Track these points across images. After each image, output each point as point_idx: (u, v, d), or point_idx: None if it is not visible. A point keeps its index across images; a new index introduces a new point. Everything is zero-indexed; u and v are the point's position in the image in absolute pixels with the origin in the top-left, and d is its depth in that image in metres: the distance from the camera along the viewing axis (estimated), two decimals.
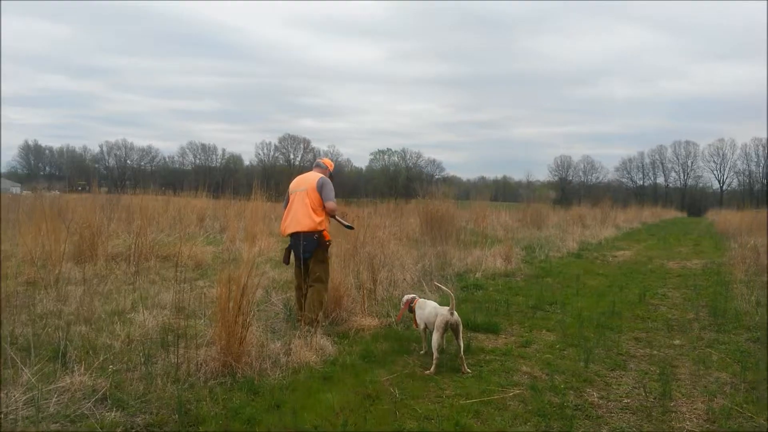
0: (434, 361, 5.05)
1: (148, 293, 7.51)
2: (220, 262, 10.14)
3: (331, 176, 6.78)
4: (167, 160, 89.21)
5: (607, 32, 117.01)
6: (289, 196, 6.54)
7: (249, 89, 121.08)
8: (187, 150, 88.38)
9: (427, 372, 5.01)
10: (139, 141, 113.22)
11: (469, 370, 5.10)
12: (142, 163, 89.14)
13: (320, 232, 6.28)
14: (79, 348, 4.98)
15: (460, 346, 5.18)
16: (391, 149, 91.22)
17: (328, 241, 6.41)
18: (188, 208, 17.42)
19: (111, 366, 4.55)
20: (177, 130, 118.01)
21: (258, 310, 6.56)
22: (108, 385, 4.15)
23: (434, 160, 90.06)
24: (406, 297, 5.98)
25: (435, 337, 5.13)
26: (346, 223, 6.82)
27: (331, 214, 6.47)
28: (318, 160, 6.97)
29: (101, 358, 4.62)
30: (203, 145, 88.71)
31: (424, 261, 9.86)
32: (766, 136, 75.00)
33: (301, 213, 6.27)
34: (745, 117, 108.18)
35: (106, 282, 7.93)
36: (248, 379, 4.52)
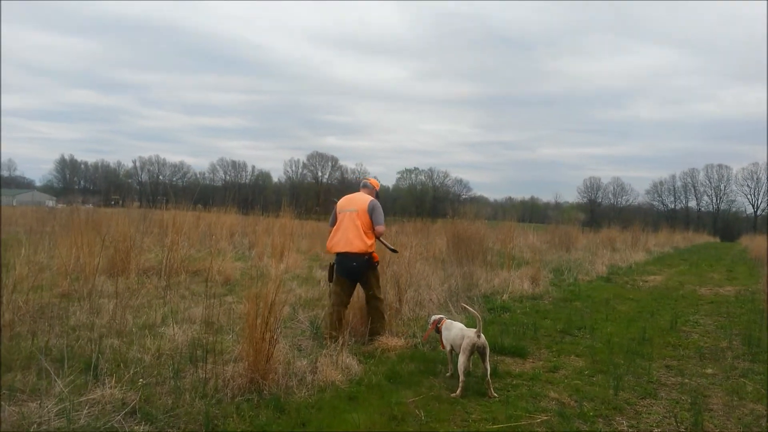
0: (460, 384, 5.02)
1: (178, 307, 7.62)
2: (248, 278, 10.25)
3: (377, 195, 6.97)
4: (198, 176, 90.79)
5: (630, 53, 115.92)
6: (337, 215, 6.67)
7: (273, 106, 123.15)
8: (218, 166, 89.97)
9: (453, 395, 4.98)
10: (171, 157, 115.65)
11: (495, 394, 5.05)
12: (174, 179, 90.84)
13: (371, 254, 6.49)
14: (110, 361, 5.08)
15: (486, 369, 5.14)
16: (418, 168, 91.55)
17: (377, 261, 6.62)
18: (218, 224, 17.66)
19: (141, 379, 4.62)
20: (205, 146, 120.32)
21: (285, 328, 6.63)
22: (138, 399, 4.22)
23: (461, 180, 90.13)
24: (434, 317, 5.99)
25: (461, 360, 5.10)
26: (391, 247, 7.01)
27: (378, 237, 6.65)
28: (365, 180, 7.13)
29: (131, 372, 4.70)
30: (233, 162, 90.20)
31: (451, 281, 9.82)
32: None
33: (352, 234, 6.43)
34: None
35: (138, 296, 8.07)
36: (275, 396, 4.54)
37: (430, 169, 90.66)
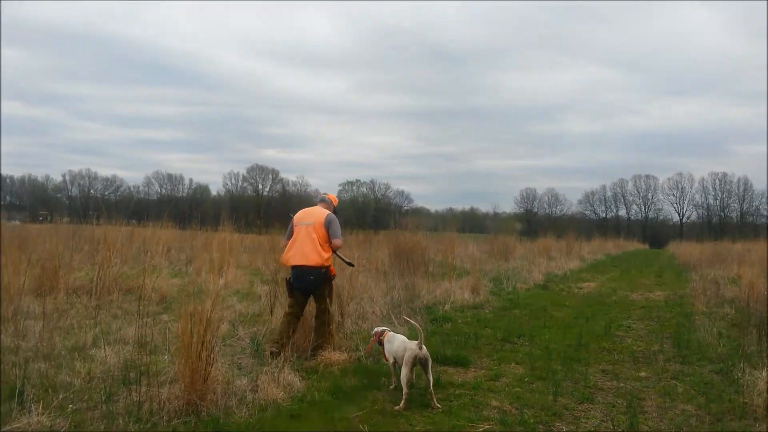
0: (404, 396, 5.01)
1: (110, 328, 7.31)
2: (185, 294, 9.94)
3: (335, 211, 7.04)
4: (132, 189, 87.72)
5: (564, 69, 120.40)
6: (293, 228, 6.73)
7: (211, 118, 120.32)
8: (153, 179, 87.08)
9: (397, 408, 4.96)
10: (103, 170, 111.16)
11: (438, 404, 5.06)
12: (107, 193, 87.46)
13: (327, 267, 6.59)
14: (37, 386, 4.82)
15: (429, 380, 5.15)
16: (359, 180, 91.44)
17: (333, 275, 6.75)
18: (154, 239, 17.09)
19: (71, 405, 4.40)
20: (140, 160, 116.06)
21: (224, 345, 6.45)
22: (67, 426, 4.01)
23: (402, 192, 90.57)
24: (376, 330, 5.97)
25: (404, 372, 5.10)
26: (348, 260, 7.16)
27: (335, 250, 6.77)
28: (323, 194, 7.28)
29: (60, 397, 4.47)
30: (170, 175, 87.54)
31: (393, 293, 9.84)
32: (721, 171, 77.67)
33: (308, 247, 6.49)
34: (700, 152, 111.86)
35: (67, 316, 7.69)
36: (213, 417, 4.40)
37: (372, 181, 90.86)
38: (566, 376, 6.18)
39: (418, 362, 5.17)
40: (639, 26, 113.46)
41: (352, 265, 7.27)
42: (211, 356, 4.62)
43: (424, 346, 5.18)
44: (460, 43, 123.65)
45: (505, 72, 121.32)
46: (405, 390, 5.02)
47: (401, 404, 4.97)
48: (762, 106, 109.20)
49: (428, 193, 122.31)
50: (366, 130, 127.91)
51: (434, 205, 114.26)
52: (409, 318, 6.38)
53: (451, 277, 13.15)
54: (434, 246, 19.69)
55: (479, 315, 10.04)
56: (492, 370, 6.39)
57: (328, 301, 6.61)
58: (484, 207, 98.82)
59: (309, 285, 6.51)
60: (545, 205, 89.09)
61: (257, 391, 4.91)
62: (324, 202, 7.11)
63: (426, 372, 5.18)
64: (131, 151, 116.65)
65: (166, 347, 6.28)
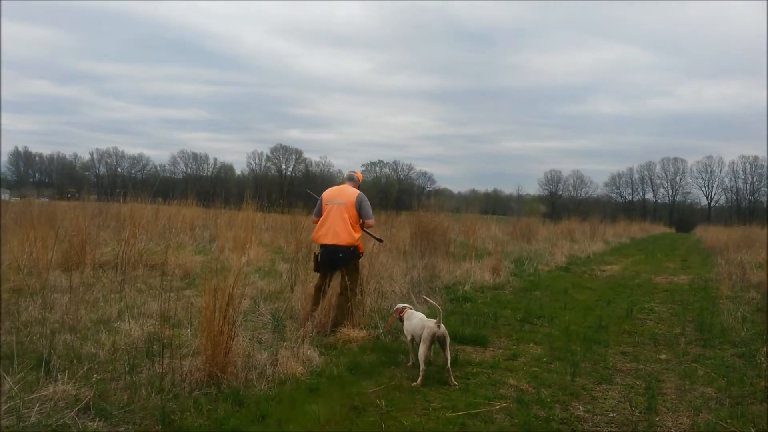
0: (421, 373, 5.05)
1: (134, 302, 7.45)
2: (208, 271, 10.10)
3: (359, 188, 7.15)
4: (158, 168, 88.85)
5: (592, 49, 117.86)
6: (322, 206, 6.85)
7: (236, 98, 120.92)
8: (179, 159, 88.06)
9: (414, 384, 5.00)
10: (130, 149, 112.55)
11: (455, 382, 5.09)
12: (133, 172, 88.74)
13: (356, 246, 6.73)
14: (63, 357, 4.94)
15: (447, 358, 5.18)
16: (382, 161, 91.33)
17: (362, 253, 6.93)
18: (178, 217, 17.33)
19: (95, 375, 4.51)
20: (166, 139, 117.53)
21: (245, 320, 6.55)
22: (92, 395, 4.11)
23: (425, 173, 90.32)
24: (397, 306, 6.04)
25: (421, 350, 5.13)
26: (377, 237, 7.37)
27: (370, 227, 6.99)
28: (351, 172, 7.39)
29: (85, 368, 4.58)
30: (195, 154, 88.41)
31: (413, 273, 9.86)
32: (752, 154, 75.79)
33: (340, 227, 6.63)
34: (731, 135, 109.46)
35: (93, 290, 7.87)
36: (233, 389, 4.49)
37: (395, 162, 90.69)
38: (585, 357, 6.16)
39: (436, 340, 5.20)
40: (672, 7, 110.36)
41: (381, 241, 7.45)
42: (233, 330, 4.69)
43: (442, 325, 5.20)
44: (486, 22, 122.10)
45: (531, 52, 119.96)
46: (422, 367, 5.06)
47: (418, 381, 5.01)
48: None
49: (451, 174, 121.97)
50: (390, 110, 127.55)
51: (457, 187, 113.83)
52: (428, 297, 6.40)
53: (472, 257, 13.13)
54: (456, 227, 19.67)
55: (499, 296, 10.03)
56: (510, 350, 6.40)
57: (354, 279, 6.72)
58: (508, 189, 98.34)
59: (338, 261, 6.66)
60: (570, 188, 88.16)
61: (277, 365, 4.99)
62: (352, 180, 7.20)
63: (444, 350, 5.21)
64: (158, 130, 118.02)
65: (188, 321, 6.40)
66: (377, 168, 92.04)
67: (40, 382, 4.27)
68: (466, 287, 10.40)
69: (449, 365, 5.15)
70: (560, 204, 76.24)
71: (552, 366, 5.87)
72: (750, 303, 9.69)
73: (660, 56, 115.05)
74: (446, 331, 5.23)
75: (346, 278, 6.65)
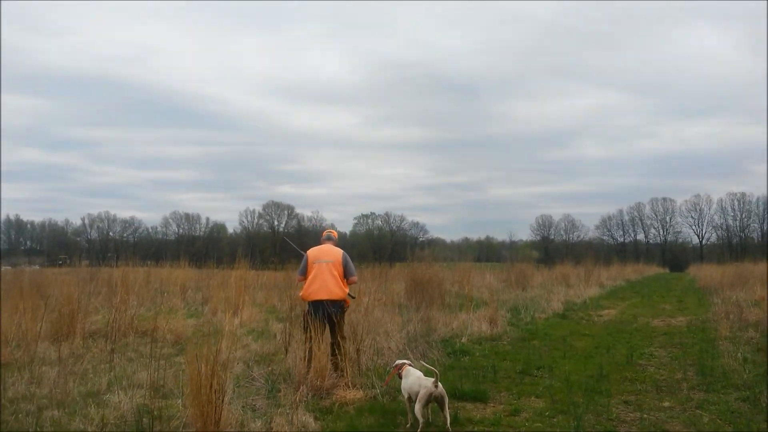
0: (420, 427, 4.96)
1: (124, 372, 7.28)
2: (200, 335, 9.93)
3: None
4: (150, 230, 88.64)
5: (574, 95, 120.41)
6: (309, 264, 7.21)
7: (226, 158, 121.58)
8: (171, 220, 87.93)
9: None
10: (122, 212, 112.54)
11: None
12: (125, 235, 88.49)
13: (345, 300, 7.15)
14: None
15: (446, 417, 5.06)
16: (374, 213, 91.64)
17: (348, 305, 7.30)
18: (170, 279, 17.18)
19: None
20: (158, 201, 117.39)
21: (238, 387, 6.40)
22: None
23: (417, 223, 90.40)
24: (397, 362, 5.97)
25: (417, 408, 5.08)
26: (352, 294, 7.52)
27: (352, 284, 7.40)
28: (329, 232, 7.88)
29: None
30: (187, 215, 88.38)
31: (409, 327, 9.73)
32: (739, 191, 76.68)
33: (332, 284, 7.03)
34: (718, 173, 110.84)
35: (83, 361, 7.69)
36: None
37: (387, 214, 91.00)
38: (588, 409, 6.02)
39: (433, 400, 5.09)
40: (648, 50, 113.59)
41: (354, 297, 7.63)
42: (222, 399, 4.56)
43: (440, 384, 5.11)
44: (468, 73, 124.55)
45: (514, 100, 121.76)
46: (420, 420, 4.98)
47: None
48: None
49: (444, 223, 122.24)
50: (379, 162, 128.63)
51: (450, 236, 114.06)
52: (424, 363, 6.36)
53: (468, 308, 12.99)
54: (450, 277, 19.61)
55: (497, 347, 9.88)
56: (511, 405, 6.25)
57: (342, 329, 7.05)
58: (501, 236, 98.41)
59: (330, 316, 6.92)
60: (562, 232, 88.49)
61: None
62: (331, 239, 7.62)
63: (443, 409, 5.10)
64: (148, 192, 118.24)
65: (180, 390, 6.23)
66: (369, 220, 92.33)
67: None
68: (464, 339, 10.25)
69: (449, 425, 5.02)
70: (553, 248, 76.36)
71: (555, 420, 5.73)
72: (749, 343, 9.60)
73: (641, 99, 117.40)
74: (444, 391, 5.13)
75: (338, 332, 6.93)
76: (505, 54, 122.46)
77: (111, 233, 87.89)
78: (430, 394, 5.05)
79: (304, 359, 6.66)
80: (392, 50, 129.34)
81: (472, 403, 6.30)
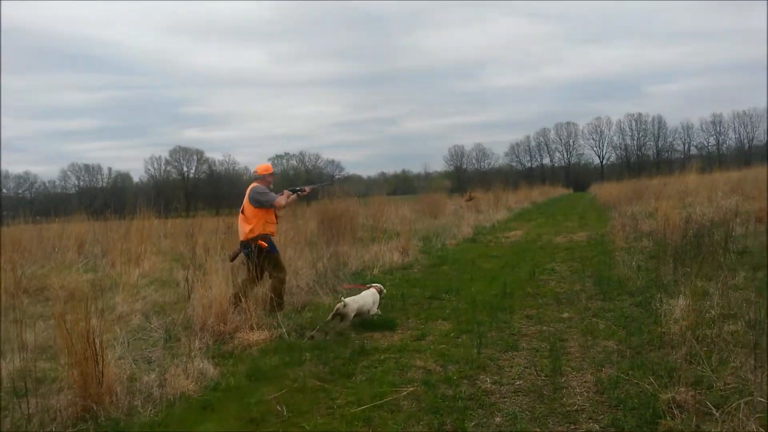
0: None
1: (9, 335, 6.70)
2: (97, 289, 9.32)
3: (271, 175, 7.58)
4: (48, 185, 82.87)
5: (483, 24, 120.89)
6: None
7: (128, 103, 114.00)
8: (69, 173, 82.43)
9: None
10: (15, 167, 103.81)
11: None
12: (20, 191, 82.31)
13: (255, 239, 7.05)
14: None
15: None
16: (289, 153, 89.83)
17: (264, 248, 7.08)
18: (66, 234, 16.07)
19: None
20: (55, 153, 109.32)
21: (134, 339, 6.04)
22: None
23: (333, 161, 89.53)
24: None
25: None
26: (300, 192, 7.64)
27: (280, 209, 7.44)
28: (252, 171, 7.96)
29: None
30: (86, 166, 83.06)
31: (319, 264, 9.56)
32: (636, 112, 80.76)
33: (241, 224, 7.25)
34: (617, 95, 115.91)
35: None
36: (113, 420, 4.03)
37: (301, 153, 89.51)
38: (491, 327, 6.13)
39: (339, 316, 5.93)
40: None
41: (304, 191, 7.72)
42: (102, 355, 4.20)
43: (349, 304, 6.17)
44: (379, 4, 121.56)
45: (425, 30, 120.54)
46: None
47: None
48: (673, 47, 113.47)
49: (361, 159, 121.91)
50: (293, 101, 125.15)
51: (367, 171, 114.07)
52: (343, 295, 6.53)
53: (380, 240, 12.98)
54: (365, 211, 19.57)
55: (408, 275, 9.94)
56: (418, 330, 6.27)
57: (271, 268, 7.17)
58: (416, 168, 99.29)
59: (248, 256, 7.12)
60: (474, 161, 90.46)
61: (164, 386, 4.55)
62: (256, 179, 7.47)
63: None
64: (42, 145, 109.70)
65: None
66: (284, 161, 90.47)
67: None
68: (375, 271, 10.23)
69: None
70: (465, 177, 78.06)
71: (459, 340, 5.79)
72: (643, 251, 10.12)
73: (548, 25, 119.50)
74: (348, 312, 6.08)
75: (268, 271, 7.20)
76: None
77: (5, 190, 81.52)
78: (337, 310, 5.90)
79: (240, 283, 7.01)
80: None
81: (380, 332, 6.27)
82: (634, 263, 8.88)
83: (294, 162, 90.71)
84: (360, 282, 9.17)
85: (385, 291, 7.31)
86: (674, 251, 8.77)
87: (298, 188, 7.70)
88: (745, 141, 75.49)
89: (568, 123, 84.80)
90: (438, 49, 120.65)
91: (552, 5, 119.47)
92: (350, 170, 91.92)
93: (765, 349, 4.36)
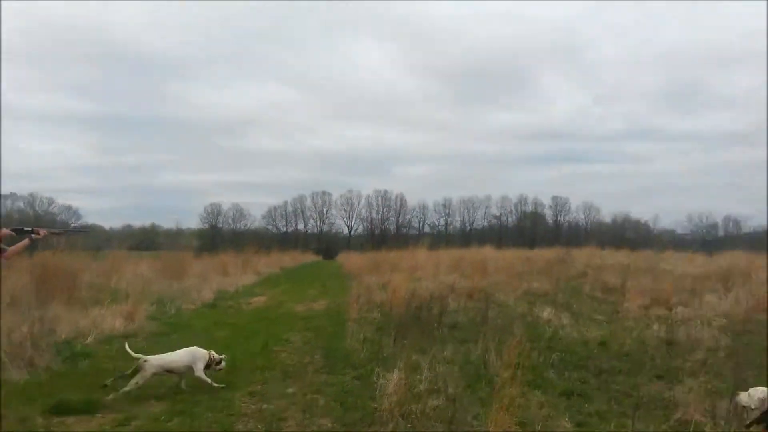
0: None
1: None
2: None
3: None
4: None
5: (249, 85, 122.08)
6: None
7: None
8: None
9: None
10: None
11: None
12: None
13: None
14: None
15: None
16: (15, 193, 78.04)
17: None
18: None
19: None
20: None
21: None
22: None
23: (70, 207, 80.00)
24: None
25: None
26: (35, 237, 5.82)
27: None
28: None
29: None
30: None
31: (22, 329, 8.09)
32: (384, 189, 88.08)
33: None
34: (367, 171, 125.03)
35: None
36: None
37: (31, 195, 78.42)
38: (210, 406, 5.72)
39: None
40: (318, 53, 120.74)
41: (31, 231, 5.84)
42: None
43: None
44: (145, 47, 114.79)
45: (194, 82, 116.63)
46: None
47: None
48: (419, 134, 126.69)
49: (105, 208, 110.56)
50: (22, 136, 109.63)
51: (111, 222, 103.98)
52: None
53: (106, 302, 11.64)
54: (97, 267, 17.69)
55: (130, 345, 8.93)
56: (124, 412, 5.55)
57: None
58: (168, 224, 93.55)
59: None
60: (230, 221, 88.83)
61: None
62: None
63: None
64: None
65: None
66: (9, 201, 78.25)
67: None
68: (89, 339, 9.04)
69: None
70: (220, 237, 76.02)
71: (170, 424, 5.26)
72: (372, 323, 10.62)
73: (309, 97, 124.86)
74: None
75: None
76: (190, 35, 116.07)
77: None
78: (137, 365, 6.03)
79: None
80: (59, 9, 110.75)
81: (76, 417, 5.41)
82: (362, 335, 9.21)
83: (21, 204, 79.12)
84: (65, 356, 8.00)
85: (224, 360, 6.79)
86: (397, 324, 9.39)
87: (29, 228, 5.89)
88: (467, 224, 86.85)
89: (323, 192, 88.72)
90: (208, 103, 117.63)
91: (309, 74, 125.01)
92: (90, 219, 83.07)
93: (460, 422, 4.73)
